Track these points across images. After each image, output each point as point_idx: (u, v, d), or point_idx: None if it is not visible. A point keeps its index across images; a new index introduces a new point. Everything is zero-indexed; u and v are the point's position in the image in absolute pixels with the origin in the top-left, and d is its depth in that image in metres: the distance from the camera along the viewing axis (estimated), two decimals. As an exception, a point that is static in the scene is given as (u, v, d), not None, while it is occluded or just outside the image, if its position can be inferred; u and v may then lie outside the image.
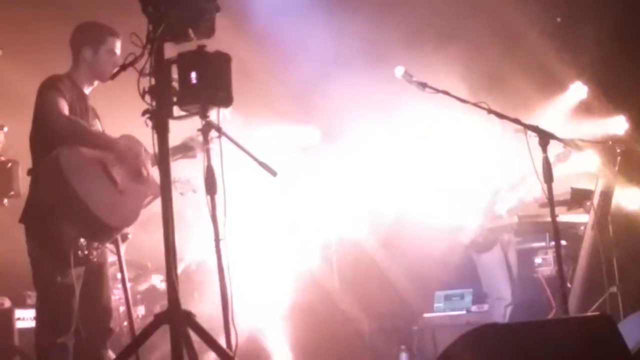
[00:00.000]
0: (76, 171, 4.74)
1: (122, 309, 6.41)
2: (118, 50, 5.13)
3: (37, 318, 5.06)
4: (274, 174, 4.73)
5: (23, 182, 6.27)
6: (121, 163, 4.98)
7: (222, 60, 4.17)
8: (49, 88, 4.93)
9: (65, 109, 4.89)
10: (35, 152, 4.98)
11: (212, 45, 4.13)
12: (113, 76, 4.62)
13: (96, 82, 5.21)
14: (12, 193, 6.75)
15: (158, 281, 7.48)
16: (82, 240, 4.83)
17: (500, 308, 7.79)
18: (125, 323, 6.39)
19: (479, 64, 8.17)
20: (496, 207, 7.95)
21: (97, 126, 5.22)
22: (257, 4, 8.54)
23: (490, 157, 7.85)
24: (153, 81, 3.91)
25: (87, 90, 5.20)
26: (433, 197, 8.17)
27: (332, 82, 8.49)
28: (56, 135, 4.82)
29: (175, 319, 3.81)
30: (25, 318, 6.55)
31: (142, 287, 7.45)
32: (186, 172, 5.56)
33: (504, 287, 7.86)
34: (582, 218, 7.51)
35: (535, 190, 7.26)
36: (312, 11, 8.61)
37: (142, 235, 5.30)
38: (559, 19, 9.14)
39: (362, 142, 8.74)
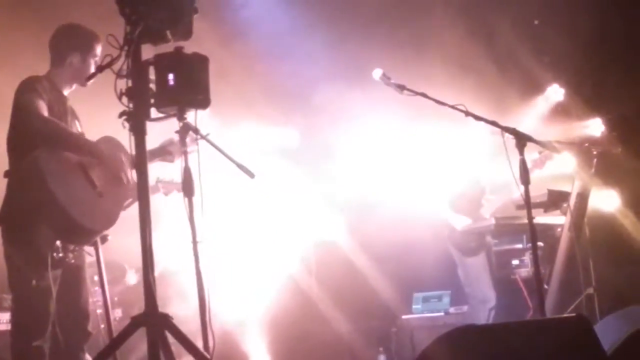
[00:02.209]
0: (55, 173, 4.71)
1: (99, 311, 6.36)
2: (98, 55, 5.11)
3: (13, 321, 5.03)
4: (251, 175, 4.73)
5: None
6: (100, 165, 4.96)
7: (200, 62, 4.16)
8: (27, 89, 4.90)
9: (44, 110, 4.86)
10: (12, 154, 4.94)
11: (189, 47, 4.12)
12: (89, 78, 4.62)
13: (75, 86, 5.18)
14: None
15: (135, 283, 7.44)
16: (58, 242, 4.81)
17: (485, 310, 7.80)
18: (103, 326, 6.35)
19: (456, 67, 8.18)
20: (482, 209, 7.97)
21: (77, 127, 5.19)
22: (235, 5, 8.52)
23: (472, 159, 7.87)
24: (130, 83, 3.89)
25: (66, 91, 5.17)
26: (415, 197, 8.18)
27: (311, 83, 8.50)
28: (35, 136, 4.78)
29: (153, 321, 3.79)
30: (1, 321, 6.49)
31: (119, 289, 7.40)
32: (169, 171, 5.56)
33: (488, 289, 7.88)
34: (558, 220, 7.54)
35: (514, 192, 7.30)
36: (290, 13, 8.61)
37: (120, 238, 5.27)
38: (536, 22, 9.18)
39: (341, 144, 8.75)
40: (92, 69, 5.05)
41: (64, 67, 5.12)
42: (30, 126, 4.81)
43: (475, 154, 7.83)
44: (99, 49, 5.10)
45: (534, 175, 5.34)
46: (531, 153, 5.12)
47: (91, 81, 5.09)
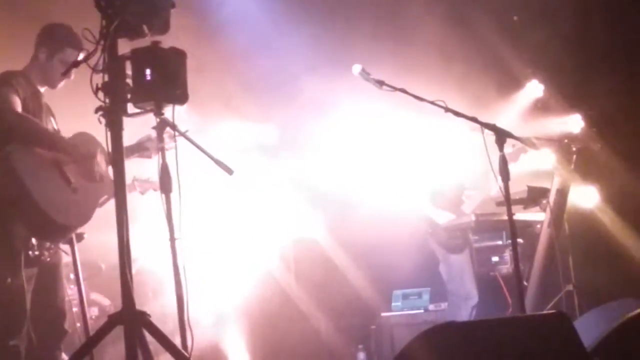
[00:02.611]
0: (29, 169, 4.66)
1: (75, 309, 6.30)
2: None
3: (-12, 320, 4.95)
4: (230, 172, 4.68)
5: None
6: (75, 162, 4.90)
7: (178, 57, 4.11)
8: (1, 84, 4.83)
9: (18, 105, 4.80)
10: (-15, 150, 4.86)
11: (167, 41, 4.07)
12: (65, 72, 4.56)
13: (44, 88, 5.11)
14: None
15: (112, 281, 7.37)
16: (33, 240, 4.75)
17: (468, 308, 7.80)
18: (79, 324, 6.29)
19: (435, 62, 8.17)
20: (463, 205, 7.97)
21: (52, 124, 5.14)
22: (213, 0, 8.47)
23: (452, 154, 7.87)
24: (106, 78, 3.84)
25: (41, 88, 5.10)
26: (395, 194, 8.17)
27: (290, 79, 8.47)
28: (8, 132, 4.72)
29: (130, 319, 3.74)
30: (-24, 320, 6.40)
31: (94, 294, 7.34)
32: (146, 170, 5.50)
33: (472, 286, 7.88)
34: (538, 216, 7.56)
35: (494, 187, 7.30)
36: (269, 8, 8.57)
37: (95, 235, 5.22)
38: (515, 18, 9.19)
39: (319, 139, 8.73)
40: (59, 71, 4.98)
41: (34, 62, 5.07)
42: (3, 122, 4.74)
43: (455, 149, 7.83)
44: (71, 55, 5.00)
45: (513, 169, 5.32)
46: (505, 147, 5.13)
47: (61, 83, 5.06)
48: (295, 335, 8.48)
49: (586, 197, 7.77)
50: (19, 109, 4.80)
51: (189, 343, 4.16)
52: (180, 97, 4.12)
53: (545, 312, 6.50)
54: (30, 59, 5.11)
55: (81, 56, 4.94)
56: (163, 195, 4.27)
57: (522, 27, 9.02)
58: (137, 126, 4.41)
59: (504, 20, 9.01)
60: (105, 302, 7.22)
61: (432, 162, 7.97)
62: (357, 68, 5.56)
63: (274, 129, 9.01)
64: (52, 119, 5.16)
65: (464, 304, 7.84)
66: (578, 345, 3.99)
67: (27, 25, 5.18)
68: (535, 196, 7.34)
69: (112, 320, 3.80)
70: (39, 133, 4.85)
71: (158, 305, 6.59)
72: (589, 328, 4.76)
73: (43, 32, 5.11)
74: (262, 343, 8.11)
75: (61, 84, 5.10)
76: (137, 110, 4.07)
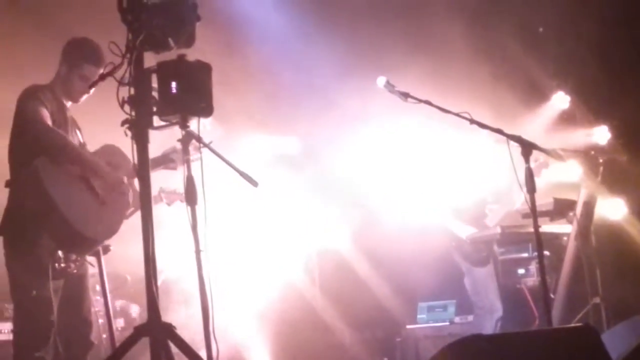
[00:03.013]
0: (56, 182, 4.69)
1: (101, 321, 6.33)
2: (94, 76, 4.94)
3: (15, 331, 4.98)
4: (255, 184, 4.69)
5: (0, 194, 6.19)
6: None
7: (203, 70, 4.13)
8: (29, 97, 4.88)
9: (47, 118, 4.84)
10: (14, 163, 4.91)
11: (192, 54, 4.09)
12: (92, 86, 4.59)
13: (70, 102, 5.14)
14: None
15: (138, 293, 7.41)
16: (60, 252, 4.78)
17: (492, 321, 7.74)
18: (105, 335, 6.32)
19: (461, 74, 8.15)
20: (486, 219, 7.92)
21: (78, 137, 5.17)
22: (238, 14, 8.50)
23: (476, 167, 7.83)
24: (132, 91, 3.86)
25: (67, 102, 5.14)
26: (419, 204, 8.14)
27: (312, 92, 8.48)
28: (36, 145, 4.76)
29: (155, 331, 3.76)
30: (3, 331, 6.46)
31: (120, 301, 7.37)
32: (172, 182, 5.52)
33: (496, 299, 7.83)
34: (565, 228, 7.50)
35: (519, 200, 7.26)
36: (293, 21, 8.60)
37: (121, 247, 5.24)
38: (540, 29, 9.16)
39: (343, 151, 8.72)
40: (78, 86, 5.03)
41: (56, 76, 5.10)
42: (32, 134, 4.78)
43: (478, 162, 7.79)
44: (89, 70, 5.02)
45: (540, 181, 5.30)
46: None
47: (83, 97, 5.09)
48: (319, 346, 8.46)
49: (613, 209, 7.71)
50: (49, 121, 4.84)
51: (214, 354, 4.16)
52: (206, 109, 4.13)
53: (572, 325, 6.44)
54: (55, 73, 5.16)
55: (91, 71, 5.00)
56: (189, 207, 4.28)
57: (547, 39, 8.99)
58: (164, 138, 4.43)
59: (530, 32, 8.98)
60: (132, 310, 7.25)
61: (456, 175, 7.93)
62: (381, 80, 5.56)
63: (297, 141, 9.03)
64: (77, 132, 5.19)
65: (489, 317, 7.78)
66: (605, 359, 3.96)
67: (55, 39, 5.22)
68: (561, 208, 7.30)
69: (138, 332, 3.82)
70: (66, 147, 4.87)
71: (183, 317, 6.60)
72: (616, 342, 4.72)
73: (65, 47, 5.15)
74: (287, 355, 8.10)
75: (83, 98, 5.12)
76: (163, 123, 4.09)
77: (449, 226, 7.94)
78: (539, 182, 6.11)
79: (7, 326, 6.35)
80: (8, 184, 4.88)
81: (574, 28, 8.64)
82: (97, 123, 5.19)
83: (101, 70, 4.96)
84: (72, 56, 5.08)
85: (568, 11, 8.73)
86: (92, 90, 4.96)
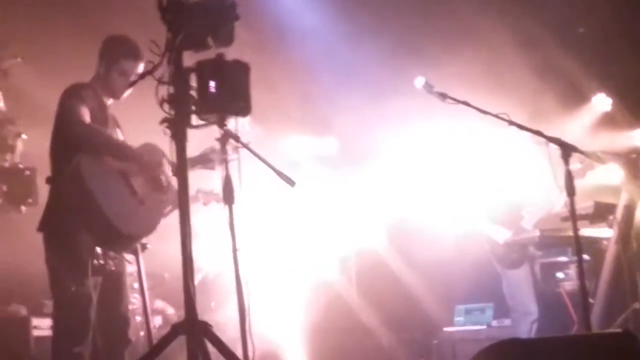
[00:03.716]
0: (96, 179, 4.73)
1: (138, 318, 6.38)
2: (133, 72, 5.02)
3: (54, 327, 5.04)
4: (292, 184, 4.69)
5: (41, 190, 6.26)
6: (142, 172, 4.97)
7: (241, 69, 4.14)
8: (71, 96, 4.92)
9: (87, 116, 4.88)
10: (55, 160, 4.96)
11: (231, 54, 4.11)
12: (131, 84, 4.62)
13: (110, 100, 5.18)
14: (30, 201, 6.76)
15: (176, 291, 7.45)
16: (98, 249, 4.82)
17: (527, 323, 7.69)
18: (143, 333, 6.36)
19: (500, 75, 8.10)
20: (523, 221, 7.86)
21: (118, 135, 5.21)
22: (277, 12, 8.52)
23: (513, 169, 7.78)
24: (172, 89, 3.88)
25: (107, 100, 5.18)
26: (457, 208, 8.10)
27: (351, 92, 8.48)
28: (77, 142, 4.80)
29: (192, 329, 3.77)
30: (42, 327, 6.53)
31: (159, 300, 7.42)
32: (210, 182, 5.54)
33: (530, 302, 7.77)
34: (605, 232, 7.42)
35: (558, 203, 7.20)
36: (330, 21, 8.60)
37: (159, 245, 5.28)
38: (581, 30, 9.07)
39: (380, 152, 8.71)
40: (118, 83, 5.06)
41: (96, 75, 5.15)
42: (73, 132, 4.83)
43: (516, 164, 7.74)
44: (128, 65, 5.05)
45: (579, 183, 5.23)
46: (572, 163, 5.05)
47: (125, 94, 5.12)
48: (356, 348, 8.46)
49: (655, 213, 7.61)
50: (88, 119, 4.88)
51: (250, 354, 4.17)
52: (244, 109, 4.15)
53: (611, 330, 6.37)
54: (94, 71, 5.20)
55: (141, 66, 5.03)
56: (226, 206, 4.29)
57: (588, 40, 8.89)
58: (201, 137, 4.45)
59: (570, 33, 8.90)
60: (170, 310, 7.30)
61: (493, 176, 7.88)
62: (420, 81, 5.54)
63: (334, 140, 9.03)
64: (118, 130, 5.23)
65: (523, 320, 7.74)
66: (645, 365, 3.91)
67: (95, 37, 5.26)
68: (602, 212, 7.22)
69: (175, 330, 3.84)
70: (107, 142, 4.93)
71: (220, 316, 6.63)
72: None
73: (102, 45, 5.18)
74: (323, 355, 8.09)
75: (125, 95, 5.15)
76: (201, 122, 4.11)
77: (484, 229, 7.90)
78: (579, 184, 6.07)
79: (47, 322, 6.42)
80: (49, 181, 4.94)
81: (616, 28, 8.53)
82: (136, 122, 5.23)
83: (140, 65, 5.03)
84: (109, 53, 5.12)
85: (610, 11, 8.63)
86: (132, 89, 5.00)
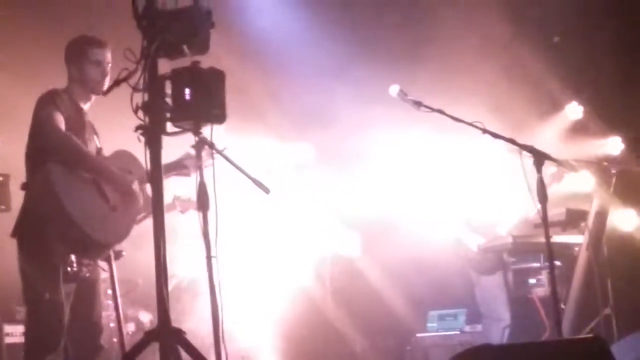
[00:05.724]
0: (67, 186, 4.71)
1: (112, 325, 6.36)
2: (104, 59, 5.05)
3: (26, 334, 5.01)
4: (267, 191, 4.71)
5: (15, 197, 6.23)
6: (112, 182, 4.96)
7: (217, 77, 4.14)
8: (46, 102, 4.90)
9: (61, 123, 4.86)
10: (29, 166, 4.94)
11: (206, 61, 4.11)
12: (107, 92, 4.61)
13: (93, 97, 5.16)
14: (2, 207, 6.73)
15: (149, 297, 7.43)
16: (72, 256, 4.80)
17: (499, 329, 7.73)
18: (115, 339, 6.34)
19: (473, 84, 8.15)
20: (497, 228, 7.91)
21: (95, 142, 5.19)
22: (251, 20, 8.53)
23: (488, 176, 7.83)
24: (146, 97, 3.88)
25: (84, 105, 5.15)
26: (431, 213, 8.14)
27: (327, 99, 8.49)
28: (49, 150, 4.79)
29: (165, 336, 3.77)
30: (14, 334, 6.50)
31: (132, 307, 7.39)
32: (187, 190, 5.53)
33: (503, 308, 7.81)
34: (576, 239, 7.48)
35: (532, 210, 7.25)
36: (306, 27, 8.62)
37: (133, 252, 5.26)
38: (555, 39, 9.15)
39: (356, 158, 8.73)
40: (96, 74, 5.04)
41: (70, 81, 5.13)
42: (46, 139, 4.81)
43: (491, 172, 7.79)
44: (96, 53, 5.05)
45: (552, 191, 5.28)
46: (548, 167, 5.10)
47: (105, 85, 5.08)
48: (330, 354, 8.47)
49: (625, 220, 7.67)
50: (62, 126, 4.87)
51: (223, 360, 4.17)
52: (219, 116, 4.15)
53: (582, 336, 6.42)
54: (67, 79, 5.17)
55: (109, 53, 5.05)
56: (200, 213, 4.29)
57: (562, 49, 8.97)
58: (174, 145, 4.45)
59: (544, 42, 8.97)
60: (143, 317, 7.28)
61: (468, 184, 7.92)
62: (394, 88, 5.57)
63: (310, 148, 9.04)
64: (95, 137, 5.22)
65: (496, 325, 7.78)
66: (615, 371, 3.95)
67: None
68: (573, 219, 7.28)
69: (148, 337, 3.83)
70: (79, 154, 4.88)
71: (194, 322, 6.62)
72: (626, 352, 4.71)
73: (65, 52, 5.16)
74: (297, 361, 8.10)
75: (105, 87, 5.00)
76: (176, 129, 4.11)
77: (459, 235, 7.94)
78: (552, 191, 6.12)
79: (19, 329, 6.39)
80: (24, 187, 4.91)
81: (589, 38, 8.62)
82: (112, 129, 5.21)
83: (108, 52, 5.05)
84: (74, 51, 5.11)
85: (583, 20, 8.72)
86: (107, 79, 4.98)
